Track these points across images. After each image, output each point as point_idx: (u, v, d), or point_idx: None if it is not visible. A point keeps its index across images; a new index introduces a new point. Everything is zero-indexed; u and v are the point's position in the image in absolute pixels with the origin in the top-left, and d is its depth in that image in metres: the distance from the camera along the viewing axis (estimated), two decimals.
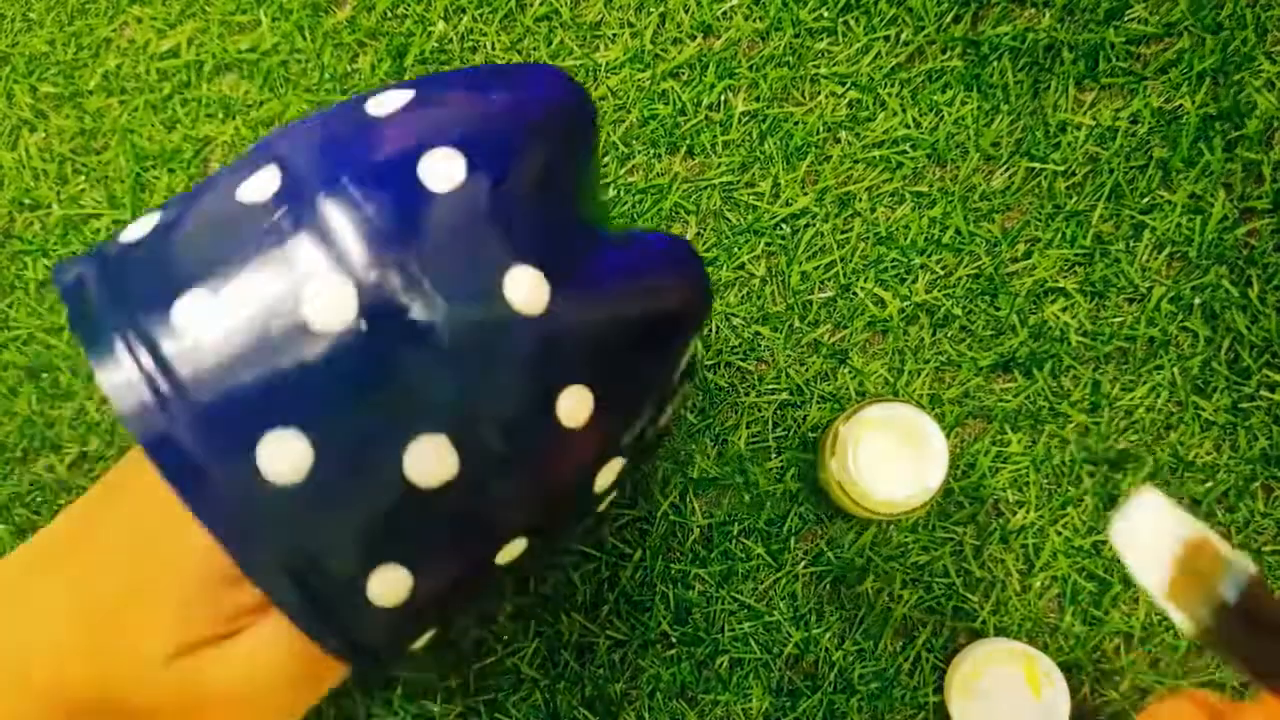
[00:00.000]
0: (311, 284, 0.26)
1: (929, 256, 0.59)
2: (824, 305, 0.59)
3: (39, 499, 0.59)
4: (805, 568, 0.58)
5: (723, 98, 0.61)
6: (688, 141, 0.60)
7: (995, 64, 0.60)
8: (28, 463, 0.59)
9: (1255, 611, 0.20)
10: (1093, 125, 0.60)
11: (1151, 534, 0.21)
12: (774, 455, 0.58)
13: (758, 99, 0.60)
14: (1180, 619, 0.21)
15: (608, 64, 0.61)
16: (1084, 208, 0.59)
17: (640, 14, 0.61)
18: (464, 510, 0.27)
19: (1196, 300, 0.59)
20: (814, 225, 0.60)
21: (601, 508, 0.36)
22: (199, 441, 0.25)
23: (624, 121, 0.61)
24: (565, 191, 0.31)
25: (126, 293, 0.27)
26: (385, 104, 0.31)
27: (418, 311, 0.25)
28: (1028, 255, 0.59)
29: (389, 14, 0.62)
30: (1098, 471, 0.58)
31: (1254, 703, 0.23)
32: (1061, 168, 0.60)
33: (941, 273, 0.59)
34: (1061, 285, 0.59)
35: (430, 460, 0.26)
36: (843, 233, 0.60)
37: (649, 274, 0.31)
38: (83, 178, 0.61)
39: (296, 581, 0.25)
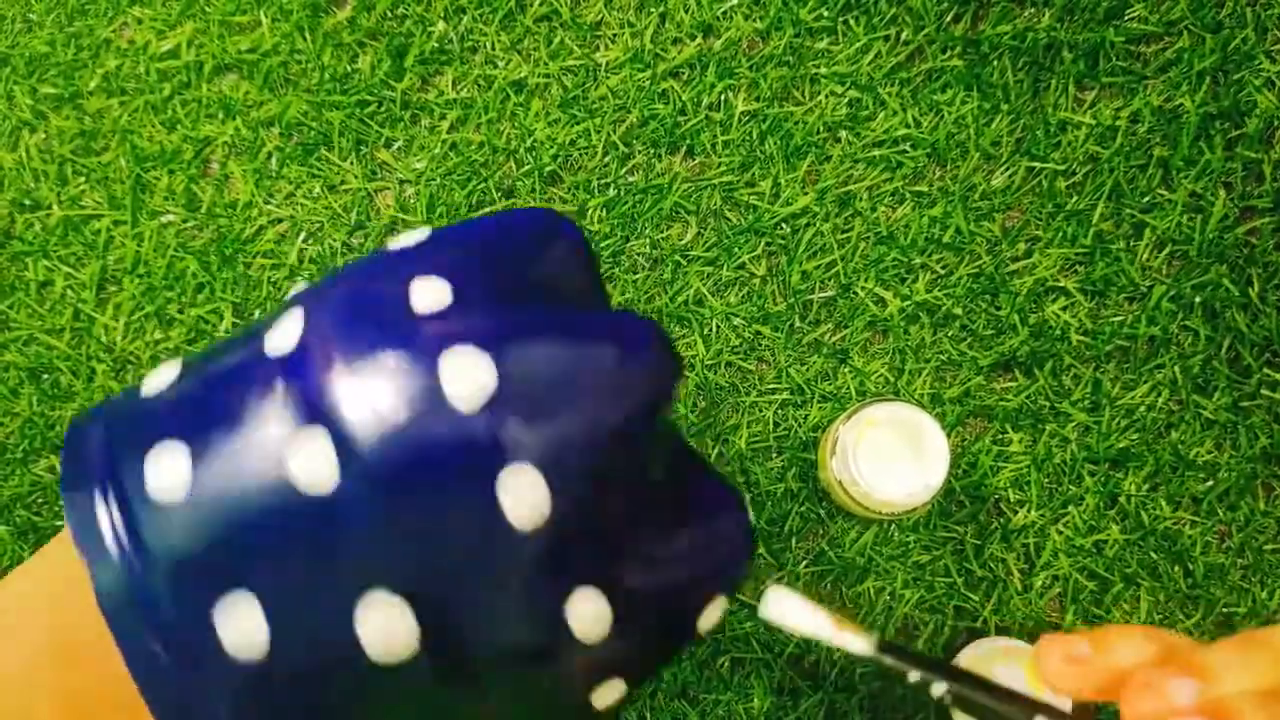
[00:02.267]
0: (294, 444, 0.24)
1: (929, 256, 0.59)
2: (824, 305, 0.59)
3: (39, 500, 0.59)
4: (806, 567, 0.58)
5: (723, 97, 0.61)
6: (688, 141, 0.60)
7: (995, 63, 0.60)
8: (28, 463, 0.59)
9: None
10: (1093, 124, 0.60)
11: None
12: (775, 455, 0.58)
13: (758, 99, 0.60)
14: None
15: (608, 64, 0.61)
16: (1084, 207, 0.59)
17: (640, 14, 0.61)
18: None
19: (1197, 299, 0.59)
20: (814, 225, 0.60)
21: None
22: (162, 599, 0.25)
23: (624, 121, 0.61)
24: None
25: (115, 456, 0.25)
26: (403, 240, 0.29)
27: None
28: (1028, 254, 0.59)
29: (389, 14, 0.62)
30: (1099, 470, 0.58)
31: (1212, 644, 0.25)
32: (1062, 167, 0.60)
33: (942, 272, 0.59)
34: (1062, 284, 0.59)
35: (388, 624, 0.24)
36: (843, 232, 0.60)
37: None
38: (83, 179, 0.61)
39: None
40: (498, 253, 0.28)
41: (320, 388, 0.24)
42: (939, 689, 0.25)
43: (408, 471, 0.24)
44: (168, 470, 0.24)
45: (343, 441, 0.24)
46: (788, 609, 0.26)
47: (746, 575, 0.30)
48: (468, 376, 0.24)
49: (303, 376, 0.24)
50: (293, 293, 0.28)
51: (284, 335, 0.25)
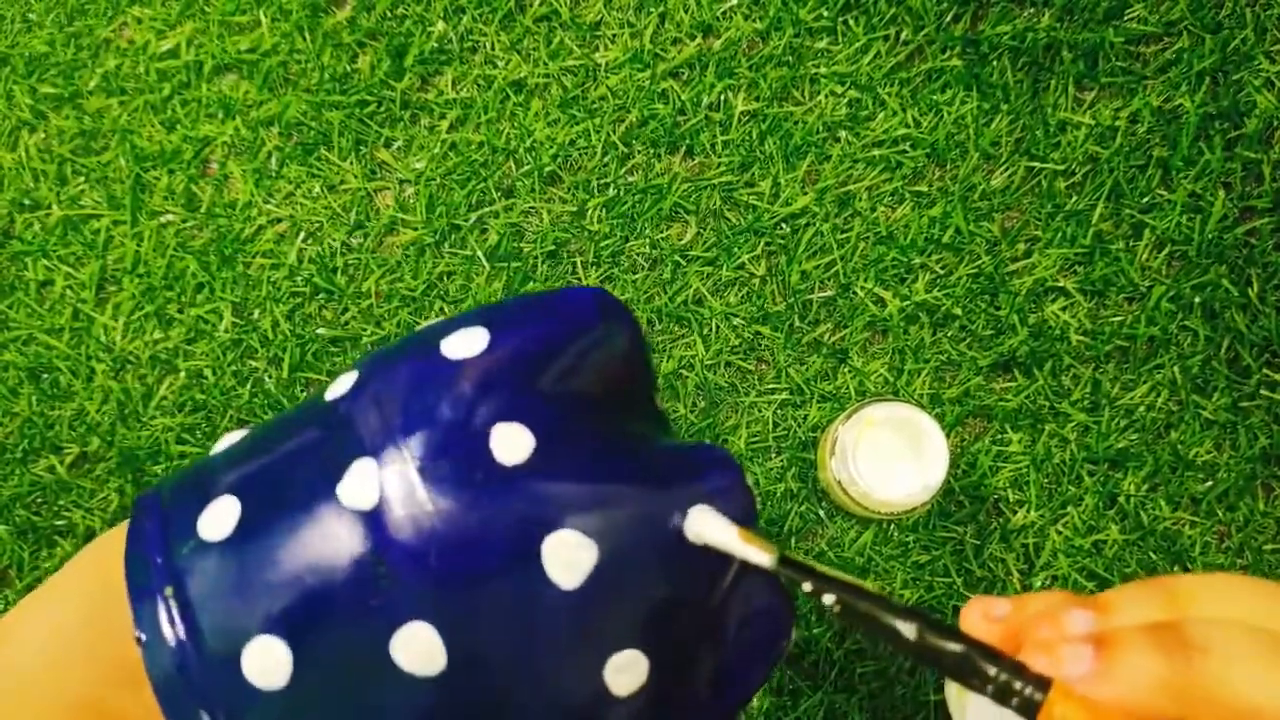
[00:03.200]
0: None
1: (929, 256, 0.59)
2: (824, 305, 0.59)
3: (39, 499, 0.59)
4: None
5: (722, 97, 0.61)
6: (687, 141, 0.60)
7: (995, 63, 0.60)
8: (28, 463, 0.59)
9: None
10: (1092, 124, 0.60)
11: None
12: (774, 455, 0.58)
13: (757, 99, 0.60)
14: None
15: (607, 64, 0.61)
16: (1084, 207, 0.59)
17: (640, 14, 0.61)
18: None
19: (1196, 299, 0.59)
20: (814, 225, 0.60)
21: None
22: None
23: (624, 121, 0.61)
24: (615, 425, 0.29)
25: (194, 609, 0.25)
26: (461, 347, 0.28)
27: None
28: (1028, 254, 0.59)
29: (388, 14, 0.62)
30: (1098, 470, 0.58)
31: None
32: (1061, 167, 0.60)
33: (941, 272, 0.59)
34: (1061, 284, 0.59)
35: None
36: (843, 232, 0.60)
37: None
38: (82, 178, 0.61)
39: None
40: (562, 364, 0.28)
41: (418, 571, 0.24)
42: (829, 598, 0.26)
43: (513, 654, 0.25)
44: (262, 662, 0.24)
45: (447, 630, 0.24)
46: (703, 524, 0.26)
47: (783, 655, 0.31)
48: (570, 560, 0.25)
49: (396, 553, 0.24)
50: (345, 403, 0.27)
51: (361, 487, 0.25)
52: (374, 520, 0.24)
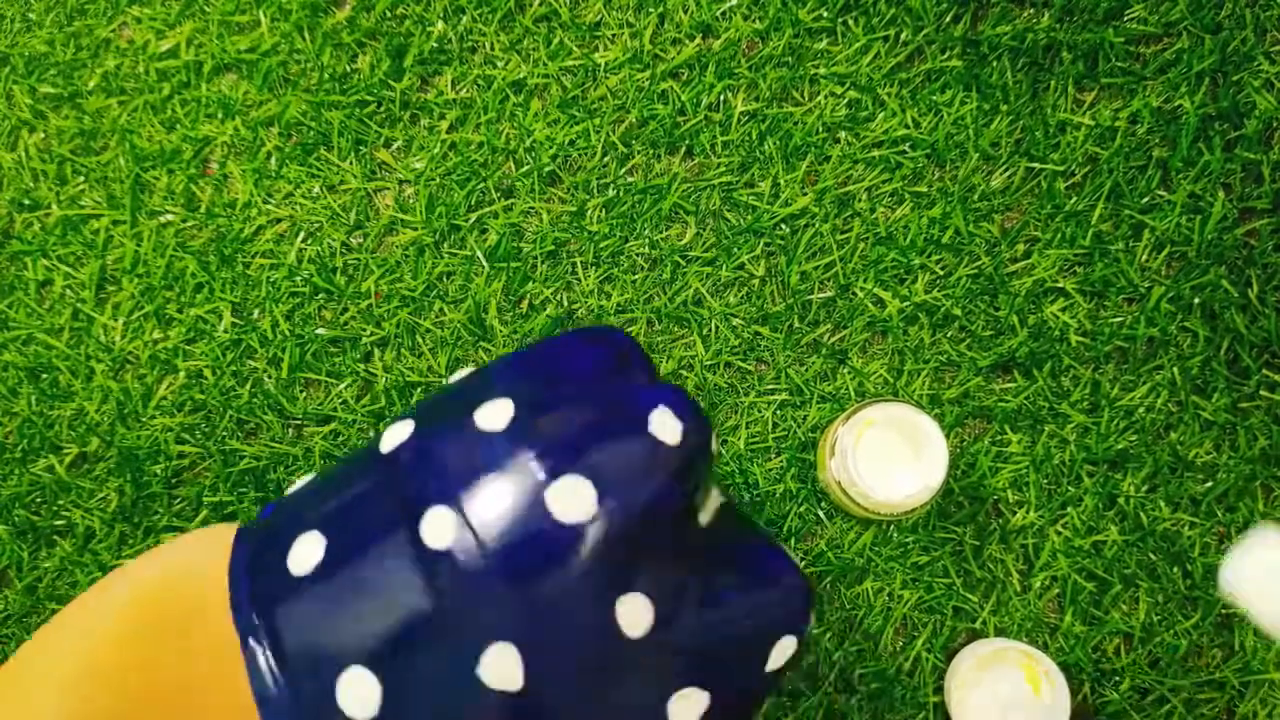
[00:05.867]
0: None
1: (928, 257, 0.59)
2: (824, 305, 0.59)
3: (38, 499, 0.59)
4: (806, 568, 0.58)
5: (722, 98, 0.61)
6: (687, 141, 0.60)
7: (995, 64, 0.60)
8: (27, 463, 0.59)
9: None
10: (1092, 125, 0.60)
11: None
12: (773, 455, 0.58)
13: (757, 99, 0.60)
14: None
15: (607, 64, 0.61)
16: (1083, 208, 0.59)
17: (639, 14, 0.61)
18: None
19: (1196, 300, 0.59)
20: (813, 225, 0.60)
21: None
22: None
23: (623, 121, 0.61)
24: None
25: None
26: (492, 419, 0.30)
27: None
28: (1027, 255, 0.59)
29: (388, 14, 0.62)
30: (1097, 471, 0.58)
31: None
32: (1061, 168, 0.60)
33: (941, 273, 0.59)
34: (1061, 285, 0.59)
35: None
36: (842, 233, 0.60)
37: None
38: (82, 178, 0.61)
39: None
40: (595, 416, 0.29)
41: (498, 596, 0.26)
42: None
43: None
44: (354, 692, 0.26)
45: (526, 650, 0.26)
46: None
47: (810, 623, 0.31)
48: (634, 620, 0.27)
49: (474, 582, 0.26)
50: (408, 435, 0.28)
51: (438, 528, 0.27)
52: (451, 557, 0.26)
